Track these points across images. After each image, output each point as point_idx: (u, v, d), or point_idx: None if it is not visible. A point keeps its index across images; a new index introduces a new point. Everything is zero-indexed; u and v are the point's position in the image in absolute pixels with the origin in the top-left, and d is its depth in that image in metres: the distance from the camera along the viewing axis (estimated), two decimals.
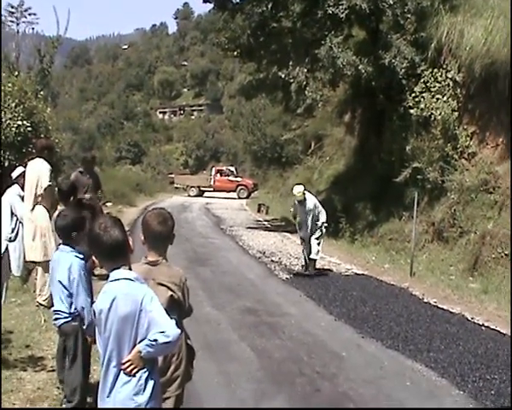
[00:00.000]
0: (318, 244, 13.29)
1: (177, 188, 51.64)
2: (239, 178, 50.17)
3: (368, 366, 7.27)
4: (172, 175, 56.75)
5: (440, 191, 15.10)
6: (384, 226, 16.92)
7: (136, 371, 3.26)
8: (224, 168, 51.87)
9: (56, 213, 7.82)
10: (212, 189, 50.09)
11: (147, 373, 3.29)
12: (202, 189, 50.52)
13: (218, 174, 50.24)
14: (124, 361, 3.24)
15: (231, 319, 9.36)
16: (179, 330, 3.24)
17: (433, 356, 7.55)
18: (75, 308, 5.06)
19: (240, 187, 48.44)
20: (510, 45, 13.69)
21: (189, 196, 48.28)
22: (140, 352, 3.22)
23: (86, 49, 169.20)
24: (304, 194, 12.89)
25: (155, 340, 3.18)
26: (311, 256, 13.23)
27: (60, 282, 5.05)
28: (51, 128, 15.42)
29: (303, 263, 13.74)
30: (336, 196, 21.19)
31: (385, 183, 17.01)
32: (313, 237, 13.20)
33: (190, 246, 17.05)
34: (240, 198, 46.20)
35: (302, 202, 12.96)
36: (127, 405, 3.25)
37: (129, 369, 3.24)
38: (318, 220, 13.18)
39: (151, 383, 3.32)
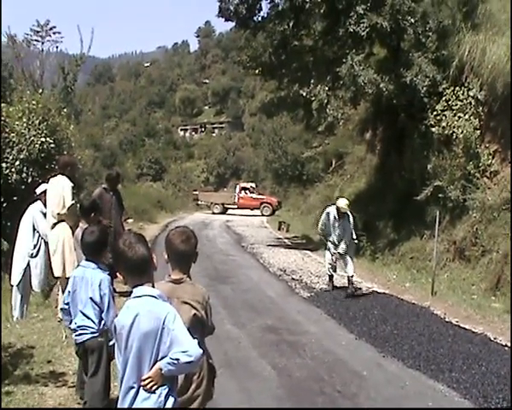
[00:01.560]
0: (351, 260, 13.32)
1: (198, 205, 51.74)
2: (263, 196, 50.13)
3: (389, 385, 7.23)
4: (196, 192, 56.74)
5: (462, 210, 15.00)
6: (405, 245, 16.82)
7: (156, 388, 3.27)
8: (248, 186, 51.73)
9: (78, 229, 7.91)
10: (235, 206, 50.08)
11: (166, 390, 3.31)
12: (226, 206, 50.55)
13: (243, 191, 50.19)
14: (144, 377, 3.26)
15: (252, 336, 9.35)
16: (201, 351, 3.26)
17: (455, 376, 7.48)
18: (104, 324, 5.11)
19: (264, 205, 48.33)
20: None
21: (213, 213, 48.31)
22: (161, 369, 3.24)
23: (109, 66, 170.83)
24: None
25: (177, 359, 3.20)
26: (350, 273, 13.07)
27: (91, 299, 5.09)
28: (74, 145, 15.56)
29: (328, 280, 13.79)
30: (357, 214, 21.02)
31: (406, 201, 16.92)
32: (349, 254, 13.21)
33: (211, 263, 17.07)
34: (263, 215, 46.13)
35: (344, 215, 12.99)
36: None
37: (149, 386, 3.26)
38: (352, 236, 13.19)
39: (171, 400, 3.33)
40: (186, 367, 3.29)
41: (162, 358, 3.25)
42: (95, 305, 5.10)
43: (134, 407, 3.31)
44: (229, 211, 49.70)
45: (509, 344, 9.13)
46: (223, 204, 50.48)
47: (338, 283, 13.78)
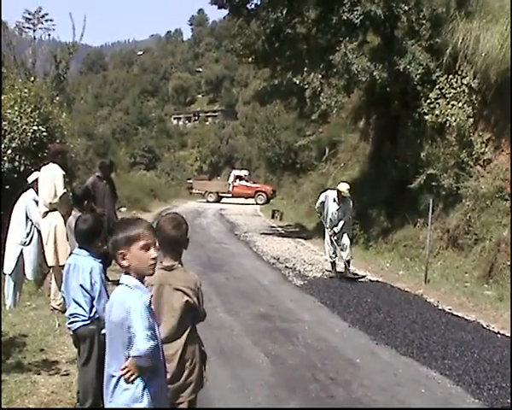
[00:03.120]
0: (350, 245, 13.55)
1: (191, 194, 51.69)
2: (258, 184, 50.16)
3: (382, 372, 7.23)
4: (191, 181, 56.68)
5: (455, 198, 15.02)
6: (398, 233, 16.86)
7: (134, 379, 3.25)
8: (242, 174, 51.68)
9: (71, 217, 7.88)
10: (230, 195, 50.09)
11: (144, 382, 3.27)
12: (220, 194, 50.57)
13: (237, 180, 50.18)
14: (122, 367, 3.24)
15: (245, 324, 9.35)
16: (148, 346, 3.18)
17: (447, 364, 7.50)
18: (95, 312, 5.08)
19: (258, 193, 48.36)
20: None
21: (208, 201, 48.30)
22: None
23: (101, 55, 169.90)
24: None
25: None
26: (347, 257, 13.42)
27: (81, 286, 5.07)
28: (66, 133, 15.47)
29: (331, 267, 13.92)
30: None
31: (399, 189, 16.94)
32: (347, 238, 13.35)
33: (204, 252, 17.07)
34: (258, 204, 46.17)
35: (345, 199, 13.14)
36: None
37: (126, 376, 3.24)
38: (351, 221, 13.35)
39: (150, 390, 3.29)
40: (138, 361, 3.25)
41: None
42: (85, 292, 5.07)
43: (115, 396, 3.30)
44: (224, 200, 49.69)
45: (501, 331, 9.17)
46: (217, 193, 50.51)
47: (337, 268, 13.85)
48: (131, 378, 3.24)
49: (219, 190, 51.01)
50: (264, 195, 47.92)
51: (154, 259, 3.36)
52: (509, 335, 8.96)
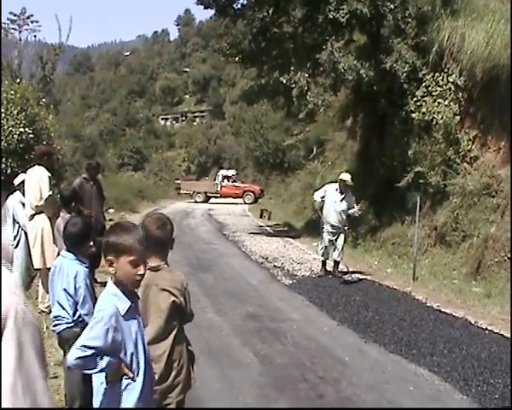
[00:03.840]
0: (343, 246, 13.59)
1: (180, 194, 51.62)
2: (245, 184, 50.21)
3: (371, 370, 7.25)
4: (179, 181, 56.65)
5: (443, 195, 15.08)
6: (386, 231, 16.90)
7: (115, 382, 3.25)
8: (230, 174, 51.70)
9: (59, 219, 7.84)
10: (218, 195, 50.07)
11: (123, 385, 3.28)
12: (209, 195, 50.53)
13: (225, 180, 50.17)
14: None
15: (234, 324, 9.34)
16: (73, 357, 3.16)
17: (436, 360, 7.52)
18: (79, 315, 5.04)
19: (246, 193, 48.42)
20: (511, 49, 13.67)
21: (196, 202, 48.25)
22: None
23: (88, 56, 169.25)
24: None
25: None
26: (338, 258, 13.44)
27: (65, 290, 5.03)
28: (53, 135, 15.44)
29: (321, 266, 13.94)
30: None
31: (387, 187, 16.97)
32: (342, 239, 13.41)
33: (193, 252, 17.05)
34: (246, 203, 46.19)
35: (347, 189, 13.23)
36: None
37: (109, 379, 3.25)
38: (354, 210, 13.43)
39: (135, 391, 3.30)
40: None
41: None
42: (69, 296, 5.03)
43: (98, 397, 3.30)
44: (212, 200, 49.67)
45: (489, 328, 9.21)
46: (205, 193, 50.48)
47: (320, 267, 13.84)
48: (112, 382, 3.23)
49: (207, 191, 50.97)
50: (252, 194, 47.98)
51: (140, 275, 3.29)
52: (497, 331, 9.01)
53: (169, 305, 3.94)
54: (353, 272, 13.59)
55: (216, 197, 50.02)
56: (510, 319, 9.35)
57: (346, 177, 13.22)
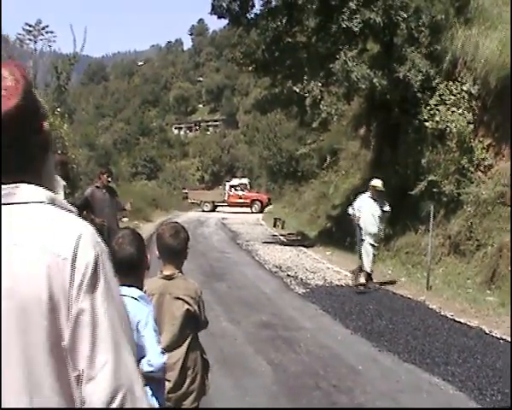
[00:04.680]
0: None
1: (192, 203, 51.68)
2: (253, 193, 50.30)
3: (384, 379, 7.23)
4: (186, 190, 56.84)
5: (456, 204, 15.02)
6: (400, 240, 16.85)
7: None
8: (237, 183, 51.84)
9: None
10: (226, 204, 50.17)
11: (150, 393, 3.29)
12: (216, 204, 50.61)
13: (233, 189, 50.30)
14: None
15: (247, 333, 9.36)
16: (163, 360, 3.21)
17: (450, 370, 7.49)
18: None
19: (254, 202, 48.54)
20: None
21: (203, 211, 48.32)
22: None
23: (102, 65, 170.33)
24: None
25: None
26: (369, 269, 13.09)
27: None
28: (68, 144, 15.54)
29: (367, 276, 13.31)
30: None
31: (400, 196, 16.90)
32: (374, 247, 13.25)
33: (207, 261, 17.08)
34: (253, 212, 46.28)
35: (380, 195, 13.00)
36: None
37: None
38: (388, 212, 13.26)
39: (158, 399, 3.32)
40: (147, 376, 3.26)
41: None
42: None
43: None
44: (220, 208, 49.73)
45: (504, 337, 9.16)
46: (213, 202, 50.52)
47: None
48: None
49: (215, 200, 51.05)
50: (259, 203, 48.22)
51: None
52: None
53: (183, 313, 3.96)
54: (377, 284, 13.49)
55: (223, 206, 50.14)
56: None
57: (378, 183, 12.92)
